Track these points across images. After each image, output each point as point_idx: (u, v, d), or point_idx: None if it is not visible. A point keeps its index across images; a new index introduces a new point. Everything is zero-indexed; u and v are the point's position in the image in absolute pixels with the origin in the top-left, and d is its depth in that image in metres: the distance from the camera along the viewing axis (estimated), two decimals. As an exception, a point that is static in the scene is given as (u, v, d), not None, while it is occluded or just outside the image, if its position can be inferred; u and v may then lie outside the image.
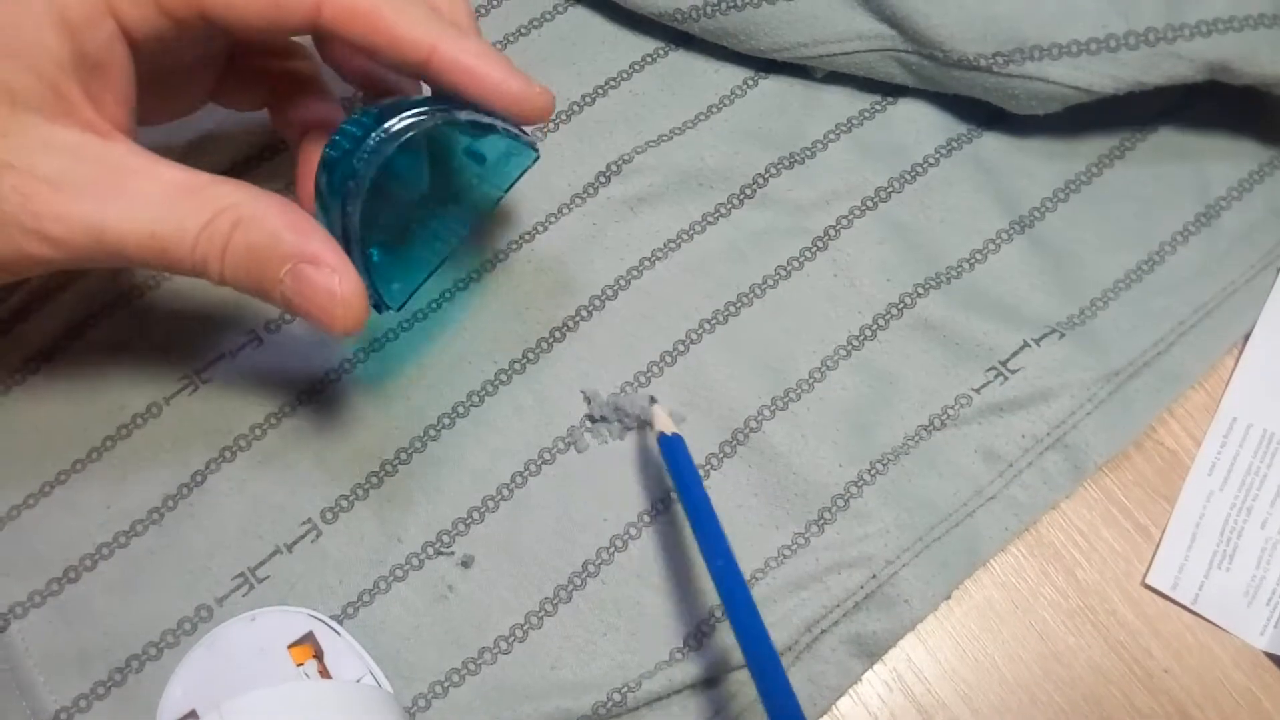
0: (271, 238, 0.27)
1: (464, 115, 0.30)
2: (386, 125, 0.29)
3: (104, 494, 0.34)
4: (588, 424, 0.36)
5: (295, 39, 0.33)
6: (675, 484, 0.33)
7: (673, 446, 0.33)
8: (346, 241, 0.29)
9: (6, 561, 0.34)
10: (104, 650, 0.33)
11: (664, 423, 0.34)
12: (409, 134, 0.29)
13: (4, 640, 0.33)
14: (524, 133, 0.31)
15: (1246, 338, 0.38)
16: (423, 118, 0.29)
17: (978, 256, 0.39)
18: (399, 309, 0.31)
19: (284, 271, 0.27)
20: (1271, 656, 0.35)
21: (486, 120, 0.30)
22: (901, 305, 0.38)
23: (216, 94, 0.34)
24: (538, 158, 0.32)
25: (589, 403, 0.36)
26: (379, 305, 0.31)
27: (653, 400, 0.35)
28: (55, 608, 0.33)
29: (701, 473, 0.36)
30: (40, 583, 0.33)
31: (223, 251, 0.27)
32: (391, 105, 0.29)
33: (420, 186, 0.33)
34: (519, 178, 0.33)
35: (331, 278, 0.27)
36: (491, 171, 0.33)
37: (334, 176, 0.29)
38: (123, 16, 0.26)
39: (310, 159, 0.32)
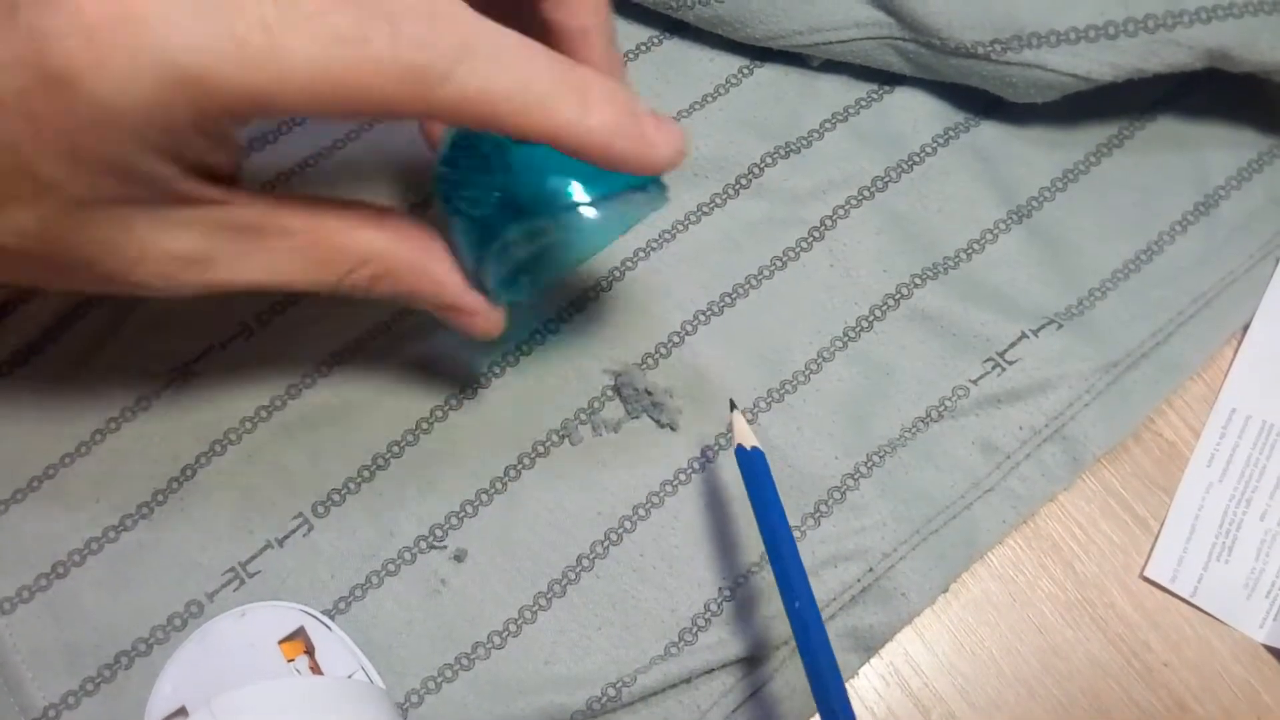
0: (411, 290, 0.28)
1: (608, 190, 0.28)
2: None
3: (92, 489, 0.34)
4: (611, 394, 0.36)
5: None
6: (752, 503, 0.30)
7: (752, 463, 0.30)
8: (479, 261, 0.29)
9: (-6, 557, 0.33)
10: (93, 646, 0.32)
11: (743, 434, 0.31)
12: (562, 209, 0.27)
13: (-8, 637, 0.32)
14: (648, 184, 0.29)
15: (1246, 328, 0.38)
16: (585, 208, 0.27)
17: (975, 246, 0.38)
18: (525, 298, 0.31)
19: (434, 310, 0.29)
20: (1270, 649, 0.35)
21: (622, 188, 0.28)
22: (898, 295, 0.37)
23: None
24: (665, 199, 0.29)
25: (616, 378, 0.36)
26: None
27: (732, 405, 0.32)
28: (44, 604, 0.33)
29: (695, 466, 0.35)
30: (29, 578, 0.33)
31: (366, 294, 0.28)
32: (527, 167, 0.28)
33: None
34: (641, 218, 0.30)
35: (474, 322, 0.30)
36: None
37: (467, 225, 0.29)
38: (205, 133, 0.23)
39: None
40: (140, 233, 0.24)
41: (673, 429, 0.35)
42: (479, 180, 0.28)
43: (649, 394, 0.35)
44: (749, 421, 0.35)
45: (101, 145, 0.22)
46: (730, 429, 0.32)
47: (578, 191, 0.27)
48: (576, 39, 0.29)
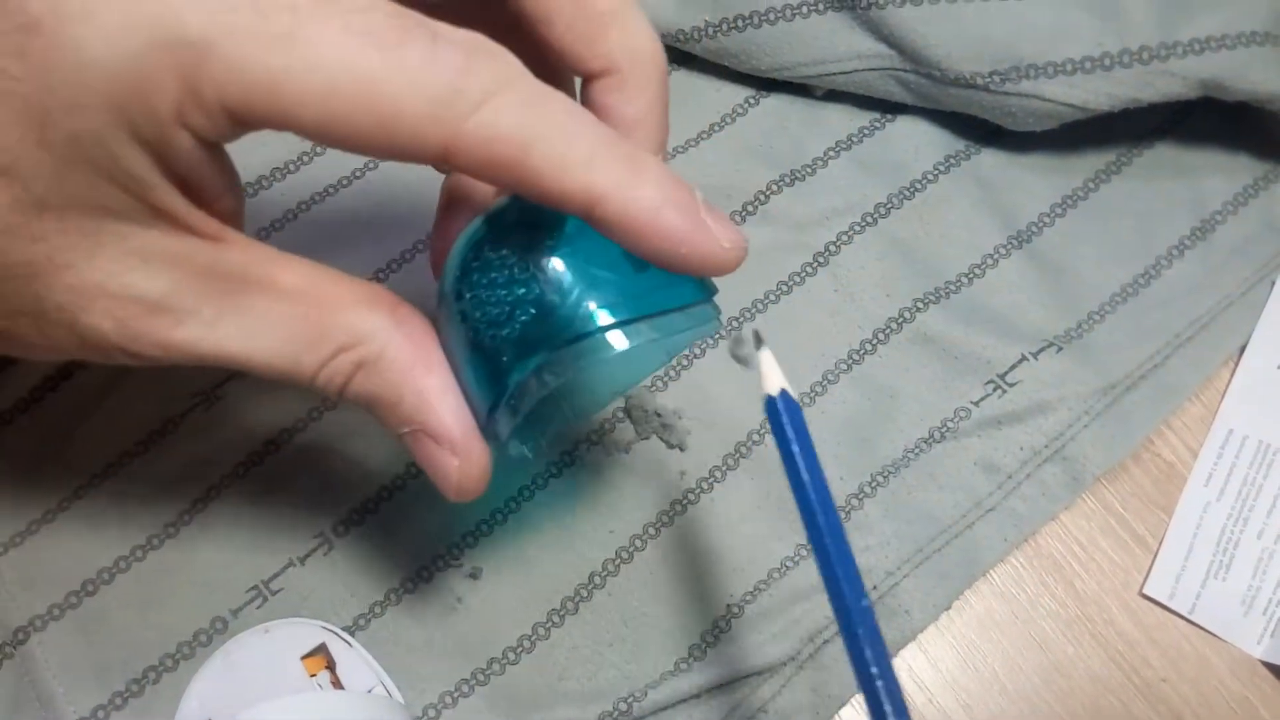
0: (394, 394, 0.24)
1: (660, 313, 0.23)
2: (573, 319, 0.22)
3: (120, 509, 0.35)
4: (622, 416, 0.36)
5: None
6: (780, 451, 0.24)
7: (778, 411, 0.25)
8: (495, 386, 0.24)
9: (26, 576, 0.34)
10: (121, 662, 0.33)
11: (772, 378, 0.25)
12: (608, 326, 0.23)
13: (24, 652, 0.33)
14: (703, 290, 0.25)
15: (1242, 350, 0.39)
16: (620, 335, 0.23)
17: (976, 271, 0.39)
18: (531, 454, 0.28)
19: (404, 431, 0.24)
20: (1268, 665, 0.35)
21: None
22: (901, 320, 0.38)
23: None
24: (719, 326, 0.25)
25: (626, 400, 0.36)
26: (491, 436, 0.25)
27: (758, 340, 0.26)
28: (74, 620, 0.34)
29: (705, 485, 0.36)
30: (59, 596, 0.34)
31: (341, 389, 0.24)
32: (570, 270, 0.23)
33: None
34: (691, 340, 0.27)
35: (451, 461, 0.24)
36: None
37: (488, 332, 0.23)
38: (194, 128, 0.20)
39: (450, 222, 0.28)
40: (104, 260, 0.21)
41: (681, 449, 0.36)
42: (501, 290, 0.23)
43: (658, 415, 0.36)
44: (754, 443, 0.36)
45: (75, 118, 0.19)
46: (761, 373, 0.25)
47: (606, 313, 0.23)
48: (629, 128, 0.26)
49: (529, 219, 0.24)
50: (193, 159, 0.21)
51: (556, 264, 0.23)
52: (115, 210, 0.20)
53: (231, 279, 0.22)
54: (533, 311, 0.23)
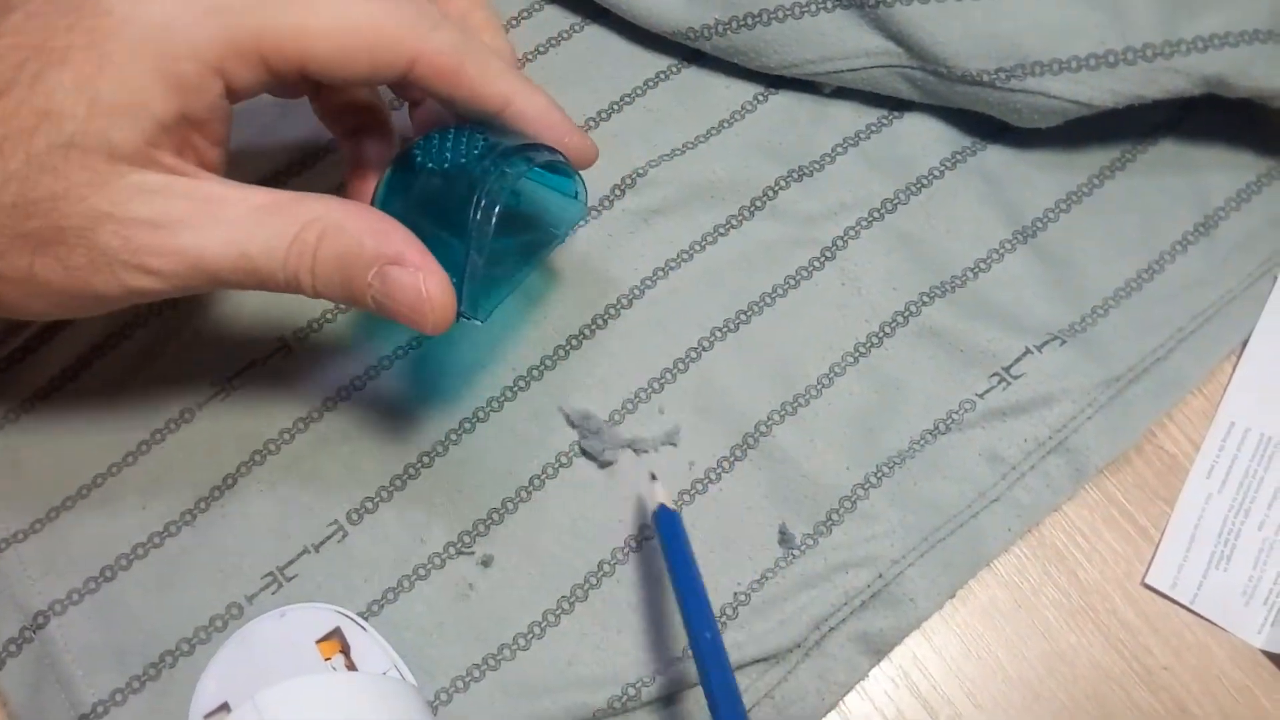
0: (356, 243, 0.28)
1: (559, 156, 0.32)
2: (507, 152, 0.30)
3: (139, 496, 0.36)
4: (577, 450, 0.37)
5: None
6: (668, 560, 0.32)
7: (668, 522, 0.33)
8: (454, 252, 0.30)
9: (46, 561, 0.35)
10: (139, 646, 0.34)
11: (661, 496, 0.34)
12: (539, 160, 0.31)
13: (44, 636, 0.34)
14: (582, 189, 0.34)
15: (1244, 344, 0.39)
16: (541, 151, 0.31)
17: (982, 266, 0.40)
18: (485, 320, 0.32)
19: (371, 275, 0.28)
20: (1268, 654, 0.36)
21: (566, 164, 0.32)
22: (907, 313, 0.39)
23: None
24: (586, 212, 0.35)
25: (575, 428, 0.37)
26: (464, 315, 0.31)
27: (653, 477, 0.35)
28: (93, 605, 0.35)
29: (713, 475, 0.37)
30: (78, 581, 0.35)
31: (312, 264, 0.28)
32: (483, 130, 0.31)
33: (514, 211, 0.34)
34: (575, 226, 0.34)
35: (417, 276, 0.28)
36: (561, 212, 0.35)
37: (441, 182, 0.30)
38: (231, 78, 0.27)
39: (364, 159, 0.34)
40: (111, 192, 0.26)
41: (674, 445, 0.37)
42: (449, 148, 0.31)
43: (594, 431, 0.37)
44: (762, 434, 0.37)
45: (123, 71, 0.26)
46: (651, 495, 0.34)
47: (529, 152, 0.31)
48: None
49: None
50: (210, 109, 0.27)
51: (479, 138, 0.31)
52: (123, 155, 0.26)
53: (210, 199, 0.27)
54: (482, 142, 0.30)
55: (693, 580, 0.31)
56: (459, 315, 0.30)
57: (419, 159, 0.31)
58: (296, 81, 0.29)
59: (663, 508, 0.33)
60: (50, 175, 0.26)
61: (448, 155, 0.31)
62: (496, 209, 0.29)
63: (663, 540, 0.33)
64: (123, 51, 0.26)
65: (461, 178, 0.30)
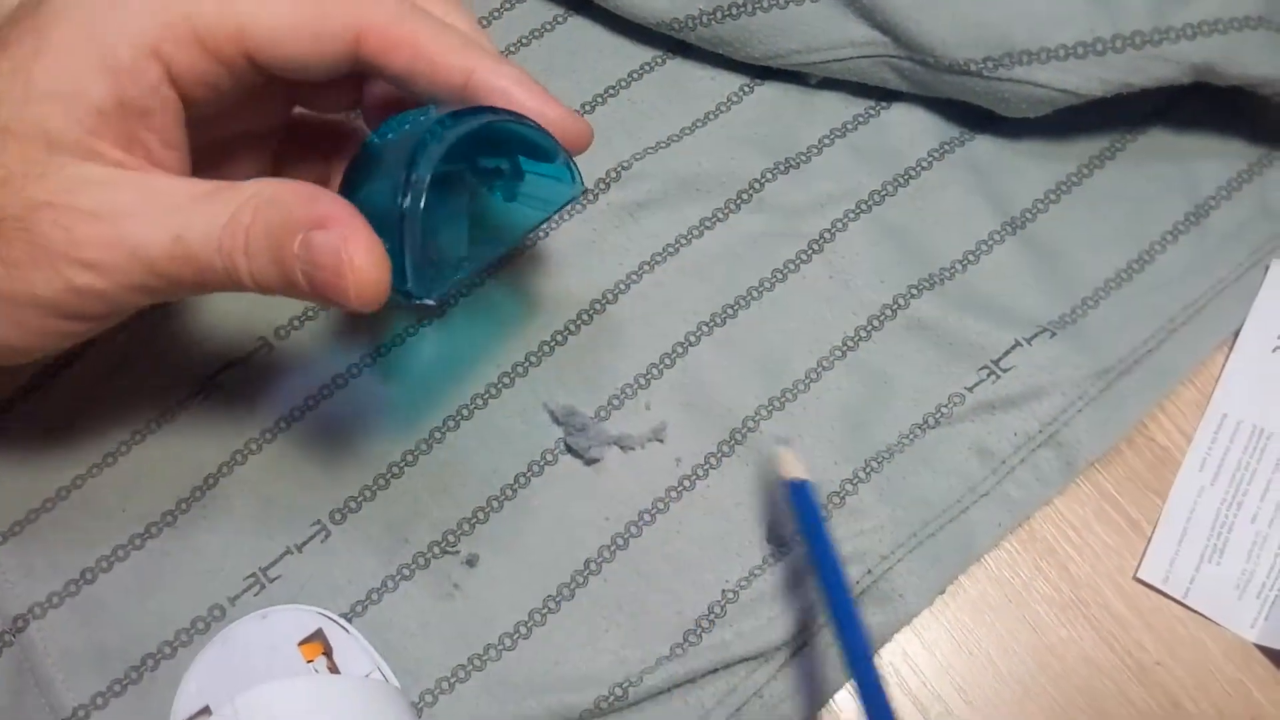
0: (284, 212, 0.26)
1: (529, 126, 0.29)
2: (455, 113, 0.28)
3: (119, 497, 0.35)
4: (563, 447, 0.36)
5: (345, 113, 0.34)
6: (803, 533, 0.32)
7: (801, 495, 0.32)
8: (400, 219, 0.27)
9: (26, 563, 0.35)
10: (120, 649, 0.34)
11: (792, 467, 0.33)
12: (488, 119, 0.28)
13: (24, 640, 0.34)
14: (570, 166, 0.31)
15: (1236, 334, 0.39)
16: (501, 113, 0.28)
17: (970, 258, 0.39)
18: (436, 301, 0.30)
19: (297, 244, 0.25)
20: (1262, 648, 0.36)
21: (545, 139, 0.29)
22: (895, 306, 0.39)
23: (275, 169, 0.34)
24: (581, 190, 0.31)
25: (561, 424, 0.37)
26: (410, 295, 0.28)
27: (783, 443, 0.35)
28: (73, 608, 0.34)
29: (701, 472, 0.36)
30: (58, 584, 0.34)
31: (245, 243, 0.26)
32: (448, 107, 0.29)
33: (469, 190, 0.31)
34: (563, 207, 0.31)
35: (339, 237, 0.25)
36: (537, 193, 0.31)
37: (387, 155, 0.28)
38: (170, 61, 0.26)
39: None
40: (50, 182, 0.26)
41: (661, 441, 0.37)
42: (403, 121, 0.29)
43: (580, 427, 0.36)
44: (750, 429, 0.37)
45: (59, 58, 0.26)
46: (780, 468, 0.34)
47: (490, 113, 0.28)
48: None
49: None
50: (151, 95, 0.26)
51: (433, 109, 0.29)
52: (61, 142, 0.25)
53: (152, 190, 0.26)
54: (435, 111, 0.28)
55: (830, 556, 0.30)
56: (402, 293, 0.27)
57: (372, 141, 0.29)
58: (245, 70, 0.27)
59: (795, 480, 0.33)
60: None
61: (394, 129, 0.29)
62: (430, 170, 0.26)
63: (797, 515, 0.32)
64: (61, 39, 0.26)
65: (405, 145, 0.27)
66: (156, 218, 0.26)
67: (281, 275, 0.26)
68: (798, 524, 0.32)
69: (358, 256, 0.25)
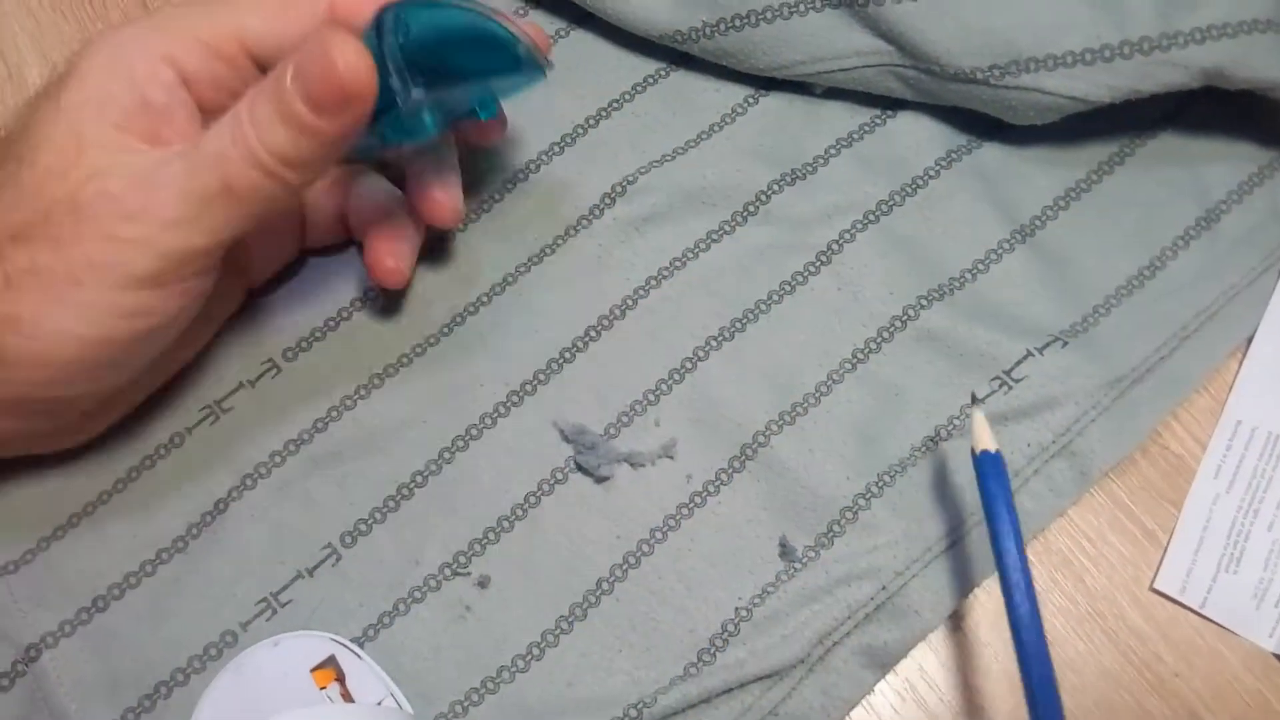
0: (270, 79, 0.28)
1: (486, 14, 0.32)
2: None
3: (130, 524, 0.35)
4: (573, 465, 0.36)
5: None
6: (985, 508, 0.31)
7: (989, 467, 0.32)
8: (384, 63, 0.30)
9: (37, 592, 0.35)
10: (133, 677, 0.34)
11: (984, 437, 0.32)
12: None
13: (37, 670, 0.34)
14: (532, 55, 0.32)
15: (1250, 340, 0.38)
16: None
17: (980, 267, 0.39)
18: (416, 97, 0.31)
19: (289, 77, 0.28)
20: (1281, 657, 0.35)
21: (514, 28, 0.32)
22: (905, 317, 0.38)
23: (308, 240, 0.38)
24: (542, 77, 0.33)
25: (570, 442, 0.37)
26: (385, 135, 0.32)
27: (975, 399, 0.35)
28: (85, 636, 0.34)
29: (712, 488, 0.36)
30: (70, 612, 0.34)
31: (249, 114, 0.28)
32: None
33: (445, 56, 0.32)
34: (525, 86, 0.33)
35: (318, 39, 0.27)
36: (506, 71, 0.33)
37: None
38: (181, 65, 0.31)
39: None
40: (87, 165, 0.29)
41: (671, 458, 0.37)
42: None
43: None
44: (760, 445, 0.36)
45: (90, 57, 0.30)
46: (974, 433, 0.33)
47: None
48: None
49: None
50: (167, 95, 0.30)
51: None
52: (92, 140, 0.29)
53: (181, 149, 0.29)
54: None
55: (1011, 535, 0.30)
56: (380, 135, 0.31)
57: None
58: (245, 65, 0.32)
59: (985, 453, 0.32)
60: (28, 169, 0.29)
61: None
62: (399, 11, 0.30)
63: (982, 488, 0.32)
64: (89, 67, 0.30)
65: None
66: (182, 154, 0.29)
67: (284, 116, 0.28)
68: (983, 503, 0.32)
69: (339, 44, 0.27)
